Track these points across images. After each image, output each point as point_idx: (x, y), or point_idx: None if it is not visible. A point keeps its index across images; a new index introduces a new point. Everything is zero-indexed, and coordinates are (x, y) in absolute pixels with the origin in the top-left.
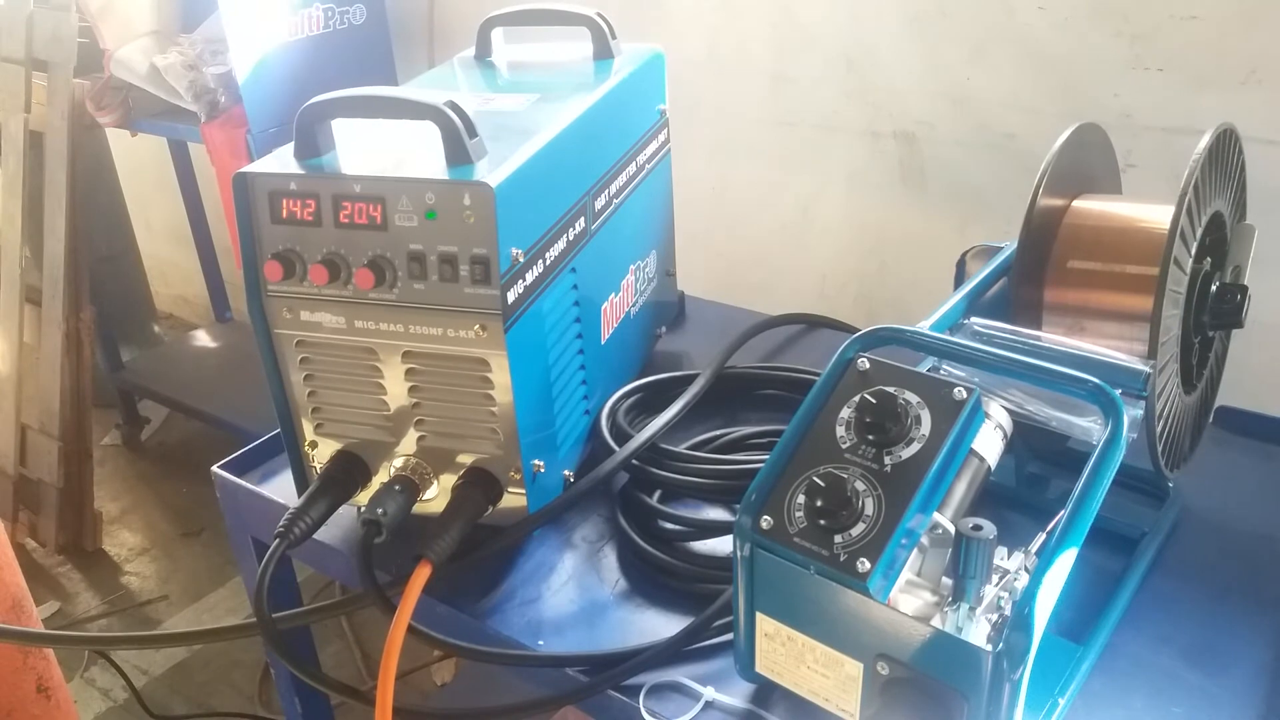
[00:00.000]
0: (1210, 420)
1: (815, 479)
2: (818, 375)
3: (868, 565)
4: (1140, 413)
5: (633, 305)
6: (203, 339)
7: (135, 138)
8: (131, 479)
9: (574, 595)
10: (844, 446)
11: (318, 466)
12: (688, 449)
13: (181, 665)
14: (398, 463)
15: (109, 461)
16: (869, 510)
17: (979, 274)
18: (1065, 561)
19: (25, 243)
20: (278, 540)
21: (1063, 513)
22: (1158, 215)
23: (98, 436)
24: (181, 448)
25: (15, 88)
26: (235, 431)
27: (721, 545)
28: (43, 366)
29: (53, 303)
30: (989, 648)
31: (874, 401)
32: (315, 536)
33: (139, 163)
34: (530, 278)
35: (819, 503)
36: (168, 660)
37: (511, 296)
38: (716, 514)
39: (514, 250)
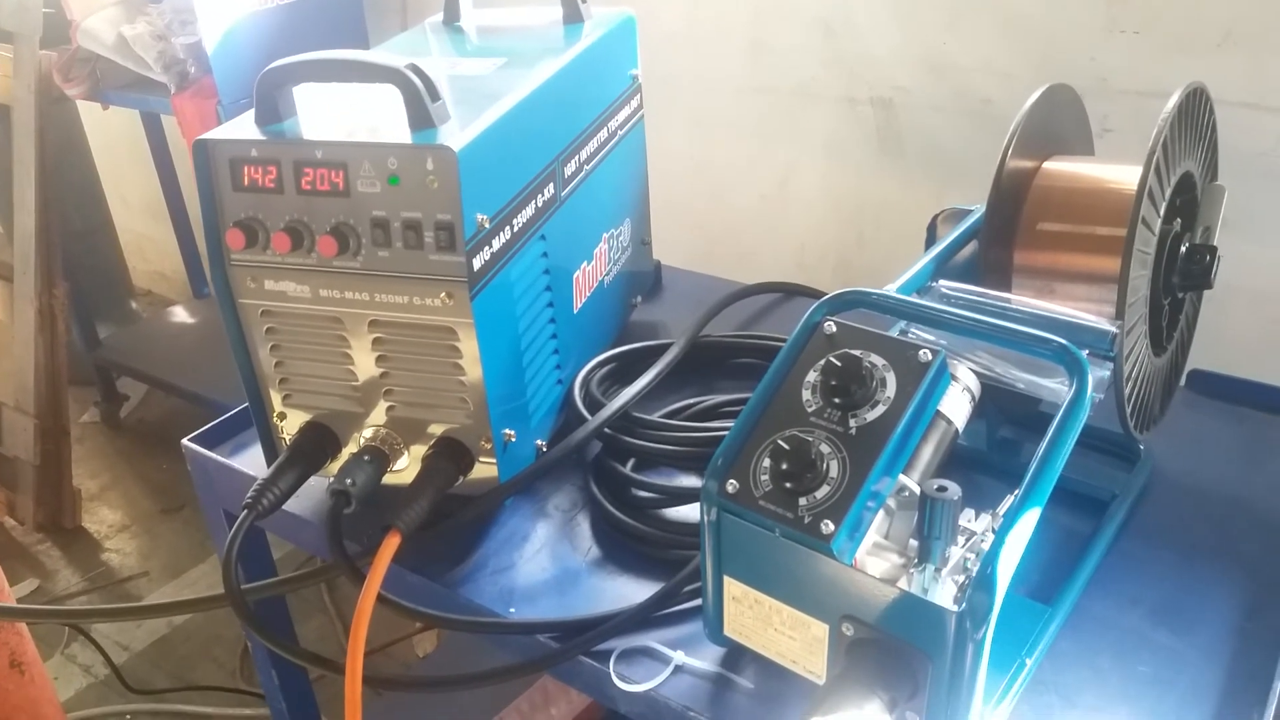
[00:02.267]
0: (1182, 383)
1: (780, 442)
2: None
3: (832, 527)
4: (1107, 374)
5: (606, 274)
6: (181, 315)
7: (107, 110)
8: (111, 456)
9: (546, 563)
10: (809, 410)
11: (287, 438)
12: (661, 417)
13: (163, 640)
14: (367, 433)
15: (88, 439)
16: (834, 473)
17: (948, 236)
18: (1028, 521)
19: None
20: (245, 511)
21: (1028, 476)
22: (1127, 176)
23: (76, 414)
24: (161, 424)
25: None
26: (214, 408)
27: (694, 512)
28: (17, 343)
29: (24, 279)
30: (953, 608)
31: (839, 364)
32: (285, 508)
33: (112, 136)
34: (497, 245)
35: (784, 466)
36: (149, 635)
37: (478, 264)
38: (689, 481)
39: (479, 216)
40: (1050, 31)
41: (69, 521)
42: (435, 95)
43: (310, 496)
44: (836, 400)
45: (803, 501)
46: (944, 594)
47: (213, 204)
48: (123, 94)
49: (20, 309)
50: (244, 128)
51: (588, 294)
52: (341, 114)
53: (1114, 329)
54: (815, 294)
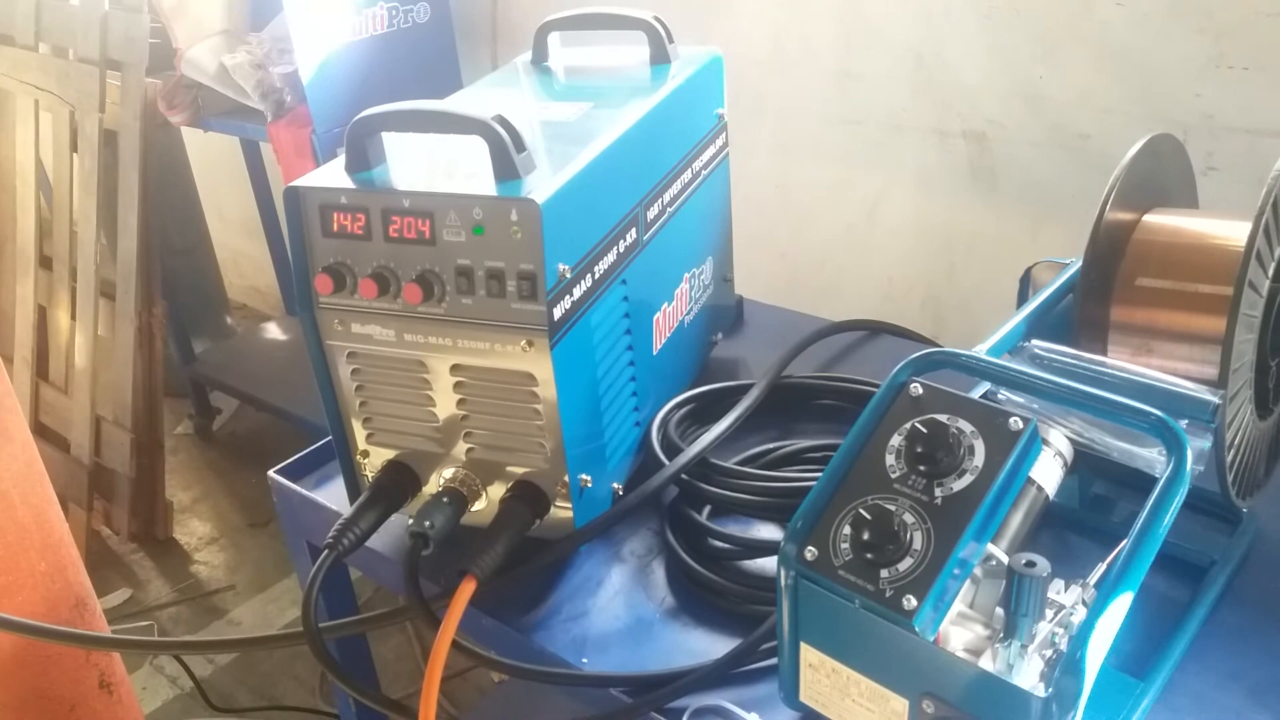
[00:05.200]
0: None
1: (862, 511)
2: (877, 386)
3: (914, 602)
4: (1207, 444)
5: (687, 314)
6: (273, 331)
7: (208, 134)
8: (202, 469)
9: (620, 612)
10: (893, 476)
11: (369, 474)
12: (740, 463)
13: (246, 656)
14: (447, 473)
15: (181, 451)
16: (917, 545)
17: (1041, 293)
18: (1120, 605)
19: (100, 238)
20: (327, 550)
21: (1119, 548)
22: (1233, 232)
23: (170, 426)
24: (251, 439)
25: (90, 88)
26: (304, 425)
27: (771, 565)
28: (116, 360)
29: (125, 298)
30: (1038, 693)
31: (925, 431)
32: (366, 544)
33: (213, 157)
34: (578, 293)
35: (865, 535)
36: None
37: (558, 313)
38: (767, 531)
39: (561, 266)
40: (1152, 66)
41: (161, 533)
42: (520, 146)
43: (390, 533)
44: (922, 468)
45: (884, 574)
46: (1030, 670)
47: (303, 248)
48: (222, 120)
49: (121, 327)
50: (334, 175)
51: (668, 334)
52: (429, 160)
53: (1216, 399)
54: (902, 333)
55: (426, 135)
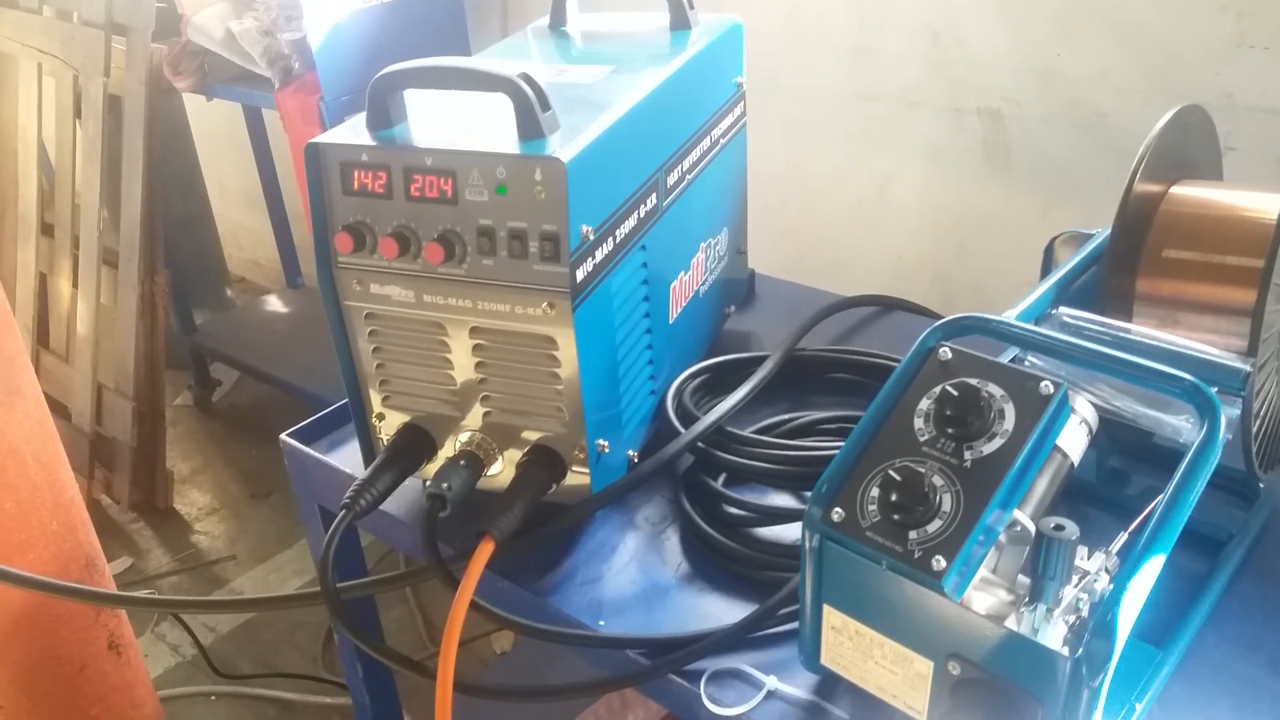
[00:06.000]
0: None
1: (891, 473)
2: (891, 360)
3: (943, 564)
4: (1236, 412)
5: (702, 284)
6: (274, 304)
7: (210, 102)
8: (202, 439)
9: (635, 576)
10: (922, 439)
11: (384, 438)
12: (754, 432)
13: (248, 624)
14: (463, 437)
15: (181, 422)
16: (946, 507)
17: (1069, 262)
18: (1152, 567)
19: (103, 206)
20: (344, 511)
21: (1146, 512)
22: (1262, 204)
23: (170, 397)
24: (252, 410)
25: (95, 51)
26: (305, 396)
27: (786, 532)
28: (118, 328)
29: (129, 266)
30: (1067, 652)
31: (955, 394)
32: (381, 508)
33: (213, 126)
34: (600, 255)
35: (894, 497)
36: (235, 619)
37: (580, 275)
38: (782, 500)
39: (584, 228)
40: (1171, 44)
41: (161, 502)
42: (546, 105)
43: (405, 497)
44: (951, 430)
45: (913, 535)
46: (1054, 635)
47: (322, 207)
48: (228, 87)
49: (124, 295)
50: (355, 132)
51: (684, 304)
52: (451, 120)
53: (1247, 367)
54: (915, 309)
55: (448, 95)
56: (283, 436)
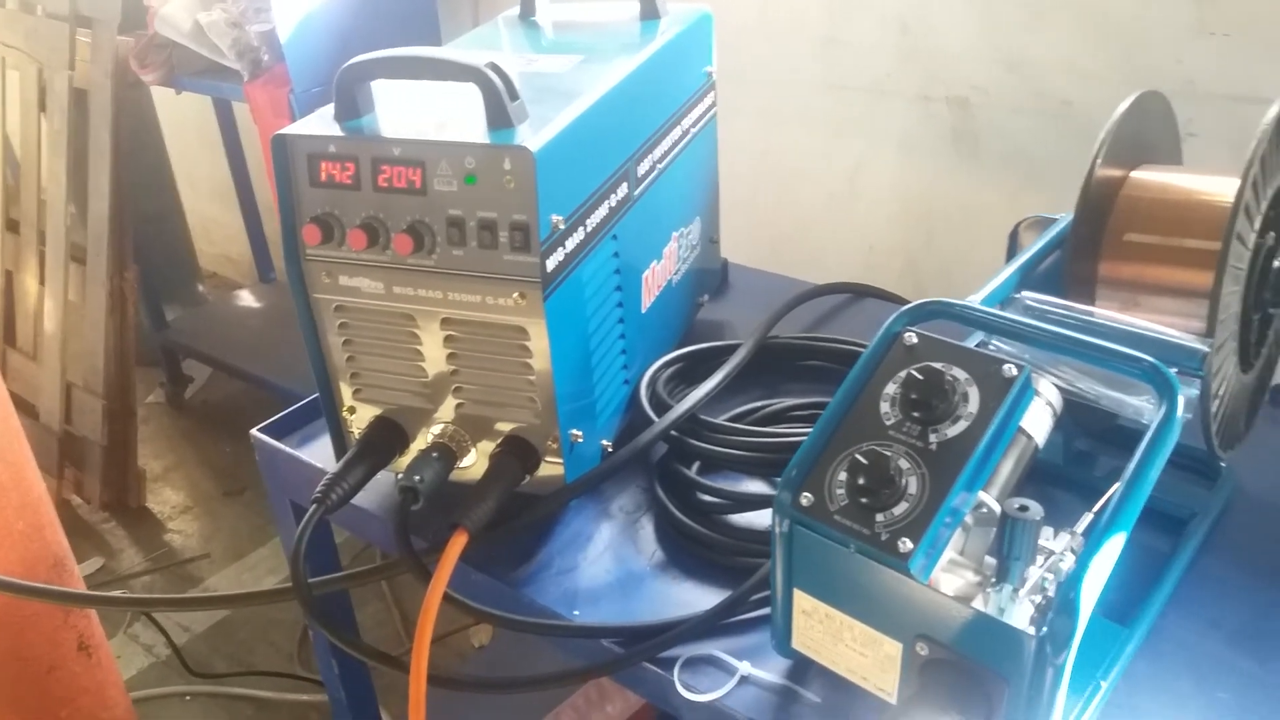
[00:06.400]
0: (1266, 399)
1: (858, 456)
2: (863, 347)
3: (910, 545)
4: (1195, 392)
5: (675, 273)
6: (246, 299)
7: (179, 95)
8: (175, 437)
9: (610, 566)
10: (888, 423)
11: (356, 432)
12: (728, 420)
13: (223, 623)
14: (435, 430)
15: (153, 420)
16: (912, 489)
17: (1032, 247)
18: (1114, 545)
19: (70, 201)
20: (315, 505)
21: (1110, 493)
22: (1220, 188)
23: (142, 395)
24: (224, 407)
25: (59, 44)
26: (278, 392)
27: (760, 518)
28: (87, 325)
29: (97, 261)
30: (1032, 631)
31: (920, 378)
32: (353, 501)
33: (182, 120)
34: (570, 245)
35: (861, 480)
36: (209, 618)
37: (551, 264)
38: (755, 487)
39: (554, 217)
40: (1135, 32)
41: (133, 501)
42: (514, 94)
43: (377, 490)
44: (917, 414)
45: (880, 518)
46: (1020, 615)
47: (290, 199)
48: (196, 80)
49: (92, 291)
50: (322, 123)
51: (656, 293)
52: (419, 110)
53: (1205, 347)
54: (886, 296)
55: (416, 86)
56: (253, 432)
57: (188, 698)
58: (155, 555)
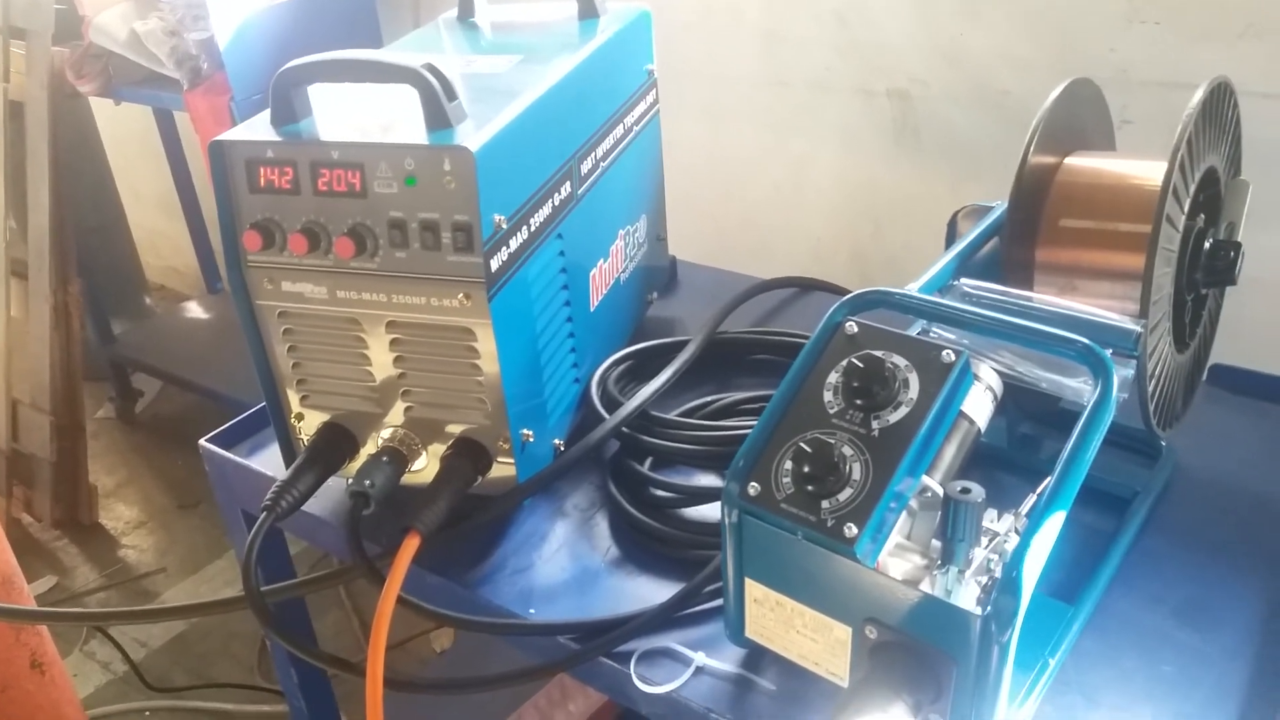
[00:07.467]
0: (1204, 378)
1: (802, 445)
2: (809, 338)
3: (855, 530)
4: (1131, 373)
5: (622, 271)
6: (195, 311)
7: (119, 106)
8: (126, 452)
9: (566, 563)
10: (831, 412)
11: (305, 439)
12: (679, 415)
13: (180, 637)
14: (385, 434)
15: (103, 435)
16: (856, 475)
17: (969, 234)
18: (1054, 524)
19: (9, 215)
20: (264, 513)
21: (1052, 475)
22: (1150, 172)
23: (91, 410)
24: (176, 420)
25: None
26: (229, 404)
27: (713, 511)
28: (31, 341)
29: (39, 276)
30: (978, 611)
31: (861, 366)
32: (304, 509)
33: (124, 131)
34: (514, 244)
35: (806, 469)
36: (167, 633)
37: (495, 264)
38: (708, 480)
39: (497, 217)
40: (1070, 22)
41: (86, 518)
42: (452, 95)
43: (329, 497)
44: (859, 402)
45: (825, 504)
46: (967, 596)
47: (229, 205)
48: (135, 90)
49: (35, 306)
50: (260, 129)
51: (604, 291)
52: (358, 113)
53: (1138, 328)
54: (832, 288)
55: (354, 89)
56: (202, 442)
57: (147, 714)
58: (110, 571)
